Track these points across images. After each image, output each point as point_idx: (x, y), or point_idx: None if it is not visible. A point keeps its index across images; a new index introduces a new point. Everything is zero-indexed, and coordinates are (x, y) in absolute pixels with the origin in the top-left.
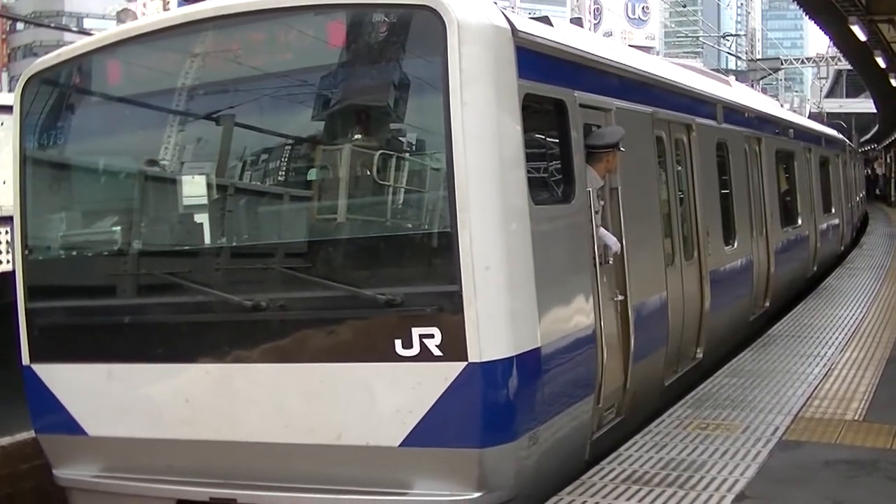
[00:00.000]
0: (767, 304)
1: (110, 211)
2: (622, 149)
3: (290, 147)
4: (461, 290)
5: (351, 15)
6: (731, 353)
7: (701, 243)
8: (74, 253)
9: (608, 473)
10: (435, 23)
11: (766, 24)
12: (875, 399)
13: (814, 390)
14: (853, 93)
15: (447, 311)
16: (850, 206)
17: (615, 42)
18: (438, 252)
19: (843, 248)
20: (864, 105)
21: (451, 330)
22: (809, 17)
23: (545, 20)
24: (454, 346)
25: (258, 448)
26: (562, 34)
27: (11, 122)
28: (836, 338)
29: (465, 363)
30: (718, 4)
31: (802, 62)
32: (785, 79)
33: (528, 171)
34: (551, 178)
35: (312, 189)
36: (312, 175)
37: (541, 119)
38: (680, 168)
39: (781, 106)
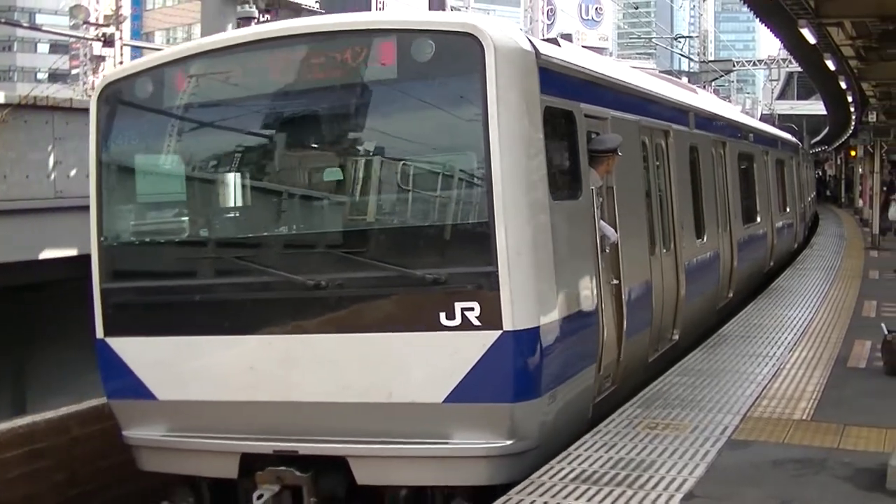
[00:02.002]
0: (731, 294)
1: (179, 204)
2: (619, 153)
3: (349, 149)
4: (497, 271)
5: (404, 38)
6: (702, 337)
7: (677, 236)
8: (147, 240)
9: (558, 473)
10: (475, 46)
11: (719, 27)
12: (823, 398)
13: (763, 390)
14: (804, 95)
15: (485, 288)
16: (803, 206)
17: (606, 58)
18: (477, 239)
19: (796, 245)
20: (815, 107)
21: (489, 304)
22: (760, 20)
23: (554, 41)
24: (491, 317)
25: (316, 407)
26: (567, 53)
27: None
28: (786, 338)
29: (501, 331)
30: (671, 6)
31: (754, 64)
32: (737, 80)
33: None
34: (563, 178)
35: (369, 185)
36: (369, 174)
37: (555, 127)
38: (659, 169)
39: (730, 105)
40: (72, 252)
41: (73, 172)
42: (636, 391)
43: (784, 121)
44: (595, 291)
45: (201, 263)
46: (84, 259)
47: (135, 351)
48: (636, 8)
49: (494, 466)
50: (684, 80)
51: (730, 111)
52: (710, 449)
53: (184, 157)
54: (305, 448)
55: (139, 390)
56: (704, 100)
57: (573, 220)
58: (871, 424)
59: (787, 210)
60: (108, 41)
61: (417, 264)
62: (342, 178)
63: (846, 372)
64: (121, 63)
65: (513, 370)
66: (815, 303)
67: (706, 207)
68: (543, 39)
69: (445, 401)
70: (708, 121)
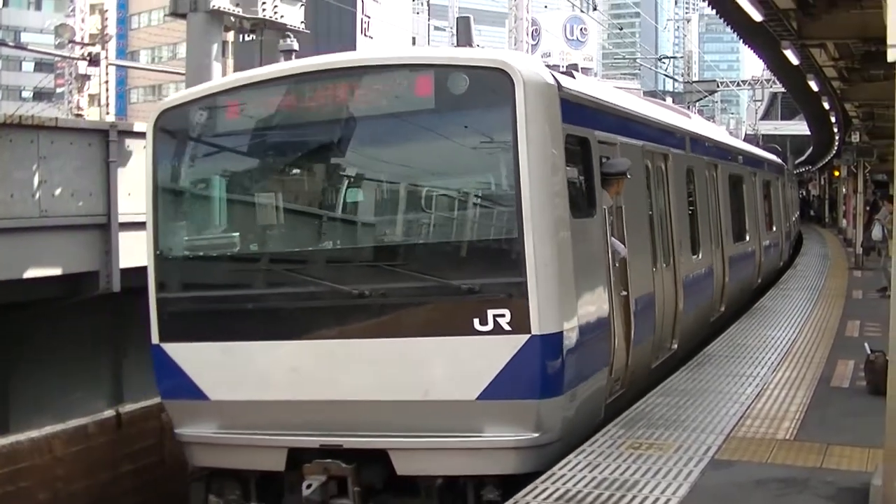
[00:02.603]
0: (723, 308)
1: (230, 221)
2: (628, 175)
3: (389, 172)
4: (526, 281)
5: (441, 73)
6: (697, 348)
7: (675, 252)
8: (200, 254)
9: (542, 493)
10: (505, 81)
11: (703, 47)
12: (806, 418)
13: (746, 410)
14: (788, 115)
15: (515, 296)
16: (788, 225)
17: (610, 85)
18: (508, 253)
19: (782, 263)
20: (799, 127)
21: (518, 311)
22: (744, 42)
23: (569, 73)
24: (520, 323)
25: (359, 405)
26: (582, 84)
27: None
28: (770, 358)
29: (529, 335)
30: (656, 27)
31: (738, 84)
32: (721, 101)
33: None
34: (580, 198)
35: (408, 204)
36: (408, 194)
37: (574, 152)
38: (660, 189)
39: (719, 128)
40: (56, 271)
41: (57, 191)
42: (639, 396)
43: (768, 141)
44: (608, 301)
45: (252, 275)
46: (69, 277)
47: (188, 355)
48: (620, 29)
49: (522, 457)
50: (669, 100)
51: (721, 134)
52: (694, 469)
53: (234, 178)
54: (350, 442)
55: (192, 391)
56: (698, 124)
57: (589, 236)
58: (854, 444)
59: (774, 229)
60: (93, 60)
61: (453, 275)
62: (383, 197)
63: (829, 392)
64: (106, 82)
65: (539, 370)
66: (799, 323)
67: (701, 226)
68: (562, 71)
69: (478, 398)
70: (701, 144)
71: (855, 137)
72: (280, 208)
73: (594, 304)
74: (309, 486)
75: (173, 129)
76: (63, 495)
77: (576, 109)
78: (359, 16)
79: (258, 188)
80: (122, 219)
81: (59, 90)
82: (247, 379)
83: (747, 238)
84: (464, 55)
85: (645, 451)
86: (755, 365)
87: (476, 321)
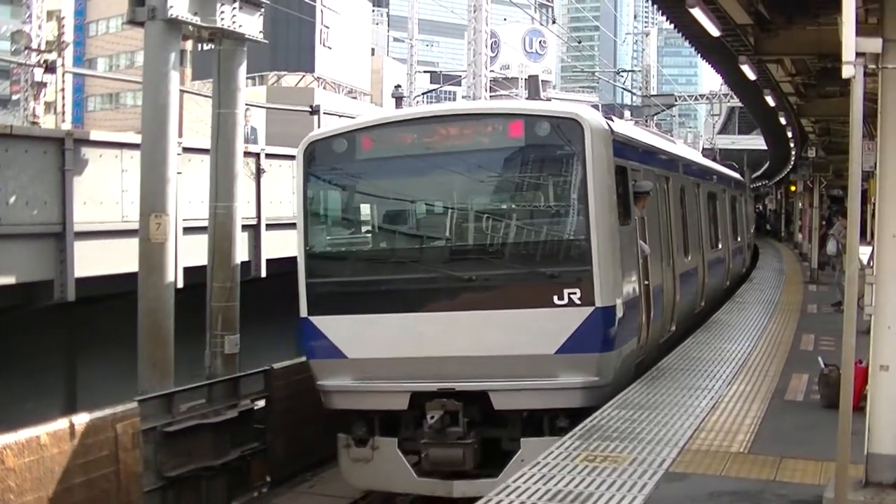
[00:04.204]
0: (703, 303)
1: (364, 225)
2: (650, 194)
3: (493, 191)
4: (592, 269)
5: (527, 120)
6: (685, 334)
7: (674, 254)
8: (341, 249)
9: None
10: (577, 127)
11: (662, 61)
12: (760, 431)
13: (701, 423)
14: (745, 129)
15: (584, 280)
16: (748, 235)
17: (630, 123)
18: (579, 249)
19: (744, 269)
20: (756, 142)
21: (585, 290)
22: (702, 57)
23: (609, 117)
24: (588, 298)
25: (467, 359)
26: (621, 126)
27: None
28: (725, 371)
29: (594, 307)
30: (615, 41)
31: (696, 99)
32: (679, 115)
33: None
34: (622, 210)
35: (506, 213)
36: (506, 206)
37: (619, 178)
38: (664, 204)
39: (676, 142)
40: (9, 280)
41: (11, 200)
42: (651, 365)
43: (725, 155)
44: (639, 287)
45: (385, 266)
46: (23, 287)
47: (330, 325)
48: (579, 42)
49: (586, 394)
50: (627, 114)
51: (699, 158)
52: (648, 482)
53: (368, 193)
54: (460, 386)
55: (333, 352)
56: (683, 149)
57: (627, 238)
58: (807, 457)
59: (738, 238)
60: (49, 67)
61: (539, 265)
62: (486, 209)
63: (784, 405)
64: (62, 90)
65: (600, 332)
66: (754, 336)
67: (689, 233)
68: (606, 116)
69: (556, 353)
70: (689, 167)
71: (811, 153)
72: (406, 216)
73: (632, 289)
74: (432, 418)
75: (318, 156)
76: None
77: (619, 147)
78: (318, 26)
79: (388, 202)
80: (77, 228)
81: (14, 97)
82: (379, 342)
83: (720, 245)
84: (546, 107)
85: (600, 464)
86: (710, 378)
87: (555, 297)
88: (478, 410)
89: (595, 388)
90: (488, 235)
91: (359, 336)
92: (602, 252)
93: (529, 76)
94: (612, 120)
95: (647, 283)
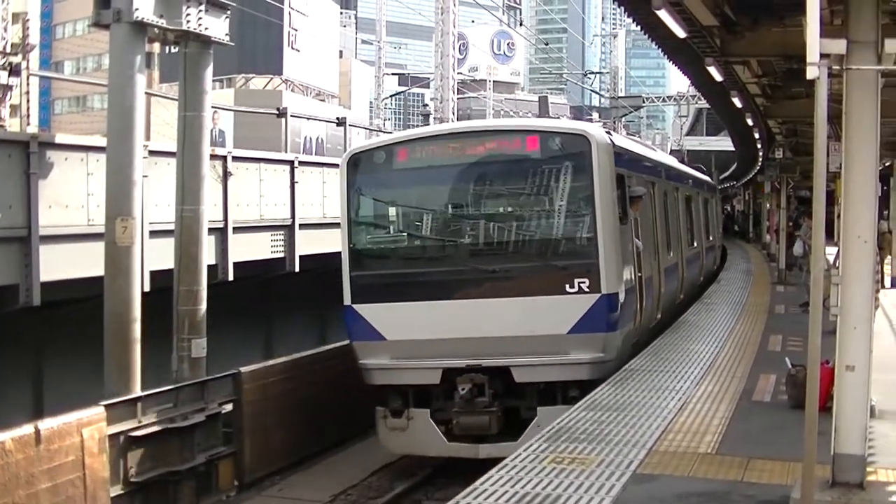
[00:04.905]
0: (682, 295)
1: (401, 224)
2: (642, 198)
3: (512, 196)
4: (598, 262)
5: (542, 135)
6: (670, 320)
7: (660, 250)
8: (381, 246)
9: None
10: (586, 141)
11: (630, 63)
12: (728, 432)
13: (669, 424)
14: (713, 131)
15: (592, 271)
16: (719, 234)
17: (623, 135)
18: (587, 244)
19: (716, 266)
20: (724, 143)
21: (593, 279)
22: (669, 58)
23: (608, 131)
24: (595, 287)
25: (492, 339)
26: (618, 139)
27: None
28: (692, 372)
29: (600, 294)
30: (583, 43)
31: (664, 100)
32: (647, 116)
33: None
34: (621, 212)
35: (524, 215)
36: (525, 209)
37: (618, 184)
38: (651, 206)
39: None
40: None
41: None
42: (643, 346)
43: (693, 156)
44: (634, 278)
45: (419, 260)
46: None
47: (371, 311)
48: (546, 44)
49: (594, 368)
50: (595, 115)
51: (677, 163)
52: (616, 483)
53: (404, 197)
54: (486, 362)
55: (373, 335)
56: (663, 156)
57: (626, 236)
58: (774, 457)
59: (711, 238)
60: (14, 70)
61: (553, 258)
62: (506, 211)
63: (751, 406)
64: (27, 93)
65: (606, 315)
66: (722, 337)
67: (671, 232)
68: (606, 131)
69: (568, 333)
70: (669, 173)
71: (778, 154)
72: (437, 217)
73: (630, 279)
74: (463, 390)
75: (360, 165)
76: None
77: (618, 157)
78: (286, 28)
79: (421, 206)
80: (43, 231)
81: None
82: (415, 325)
83: (695, 244)
84: (558, 125)
85: (567, 466)
86: (678, 379)
87: (567, 286)
88: (501, 383)
89: (601, 363)
90: (508, 233)
91: (396, 320)
92: (606, 247)
93: (540, 97)
94: (612, 134)
95: (640, 274)
